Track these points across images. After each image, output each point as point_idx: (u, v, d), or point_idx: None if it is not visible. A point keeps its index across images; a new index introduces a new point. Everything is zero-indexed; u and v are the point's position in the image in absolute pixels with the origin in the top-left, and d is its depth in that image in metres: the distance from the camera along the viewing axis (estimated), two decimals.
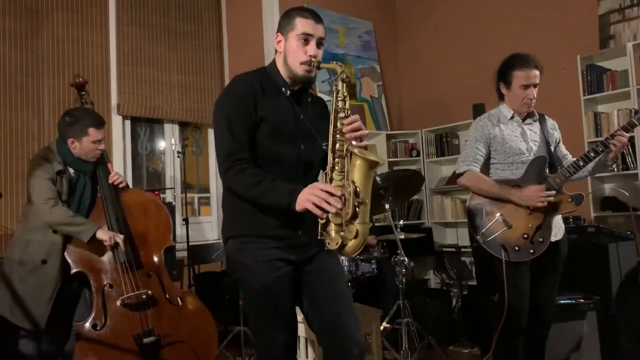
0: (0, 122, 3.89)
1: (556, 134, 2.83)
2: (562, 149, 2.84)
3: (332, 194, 1.68)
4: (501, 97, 2.77)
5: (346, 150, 1.77)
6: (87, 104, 3.00)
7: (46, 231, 2.73)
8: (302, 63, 1.91)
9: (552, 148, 2.76)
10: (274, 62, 2.01)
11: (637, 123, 2.56)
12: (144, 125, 4.88)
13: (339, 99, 1.81)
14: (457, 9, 5.50)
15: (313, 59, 1.89)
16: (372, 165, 1.73)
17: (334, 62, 1.85)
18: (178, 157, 4.32)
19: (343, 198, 1.70)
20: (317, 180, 2.00)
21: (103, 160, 2.93)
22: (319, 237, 1.75)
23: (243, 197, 1.87)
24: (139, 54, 4.62)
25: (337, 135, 1.78)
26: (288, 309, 1.93)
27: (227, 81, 5.24)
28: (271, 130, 1.89)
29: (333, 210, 1.67)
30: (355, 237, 1.70)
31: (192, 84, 4.94)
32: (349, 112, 1.80)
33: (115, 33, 4.51)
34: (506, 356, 2.63)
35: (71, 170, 2.83)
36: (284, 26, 1.95)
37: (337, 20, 5.53)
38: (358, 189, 1.70)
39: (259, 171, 1.83)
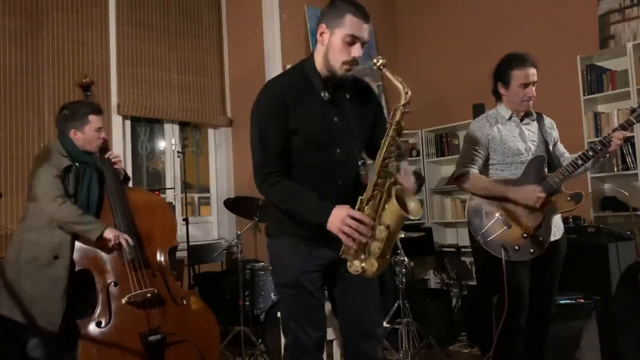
0: (0, 122, 3.89)
1: (554, 133, 2.82)
2: (560, 147, 2.84)
3: (362, 223, 1.72)
4: (498, 98, 2.77)
5: (387, 188, 1.75)
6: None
7: (51, 230, 2.73)
8: (344, 62, 1.87)
9: (551, 147, 2.76)
10: (311, 58, 1.96)
11: (634, 121, 2.56)
12: (144, 125, 4.89)
13: (395, 128, 1.77)
14: (457, 9, 5.50)
15: (357, 59, 1.87)
16: (404, 216, 1.74)
17: (400, 80, 1.76)
18: (178, 157, 4.32)
19: (374, 229, 1.74)
20: (351, 188, 1.92)
21: (107, 159, 2.96)
22: (341, 256, 1.81)
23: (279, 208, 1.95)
24: (139, 54, 4.62)
25: (383, 169, 1.77)
26: (314, 303, 1.96)
27: (227, 81, 5.25)
28: (305, 140, 1.89)
29: (363, 240, 1.73)
30: (376, 270, 1.78)
31: (192, 84, 4.94)
32: (401, 151, 1.83)
33: (115, 33, 4.51)
34: (506, 356, 2.64)
35: (76, 165, 2.85)
36: (331, 18, 1.86)
37: None
38: (391, 231, 1.74)
39: (289, 184, 1.87)
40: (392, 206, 1.72)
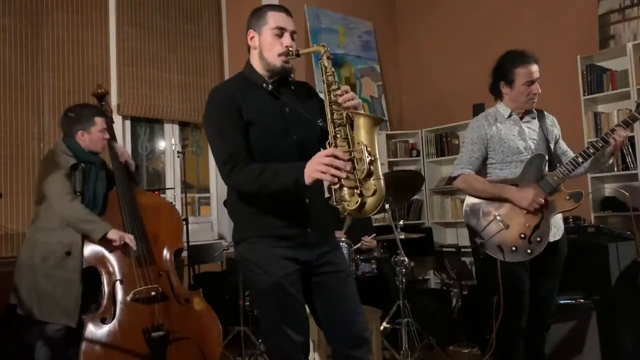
0: (0, 122, 3.89)
1: (556, 131, 2.80)
2: (562, 145, 2.81)
3: (337, 157, 1.69)
4: (498, 96, 2.75)
5: (346, 117, 1.81)
6: (107, 113, 3.18)
7: (62, 231, 2.78)
8: (279, 54, 1.94)
9: (552, 145, 2.74)
10: (248, 63, 2.04)
11: (638, 116, 2.55)
12: (144, 125, 4.88)
13: (328, 74, 1.86)
14: (457, 9, 5.51)
15: (291, 49, 1.93)
16: (375, 122, 1.78)
17: (314, 45, 1.90)
18: (178, 157, 4.32)
19: (353, 158, 1.74)
20: None
21: (117, 160, 3.05)
22: (335, 204, 1.77)
23: (251, 193, 1.90)
24: (139, 54, 4.62)
25: (333, 106, 1.82)
26: (297, 307, 1.92)
27: None
28: (260, 131, 1.92)
29: (343, 174, 1.70)
30: (374, 194, 1.73)
31: (192, 84, 4.94)
32: (339, 84, 1.86)
33: (115, 33, 4.51)
34: (506, 356, 2.63)
35: (82, 165, 2.92)
36: (255, 22, 1.99)
37: (337, 20, 5.53)
38: (367, 147, 1.73)
39: (260, 164, 1.85)
40: (357, 125, 1.77)
